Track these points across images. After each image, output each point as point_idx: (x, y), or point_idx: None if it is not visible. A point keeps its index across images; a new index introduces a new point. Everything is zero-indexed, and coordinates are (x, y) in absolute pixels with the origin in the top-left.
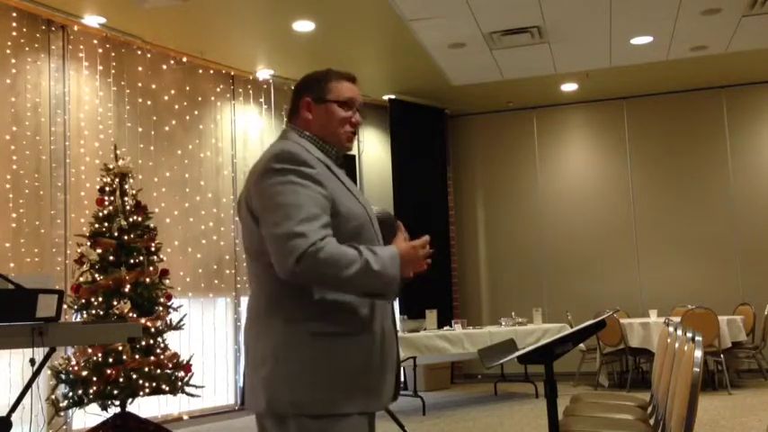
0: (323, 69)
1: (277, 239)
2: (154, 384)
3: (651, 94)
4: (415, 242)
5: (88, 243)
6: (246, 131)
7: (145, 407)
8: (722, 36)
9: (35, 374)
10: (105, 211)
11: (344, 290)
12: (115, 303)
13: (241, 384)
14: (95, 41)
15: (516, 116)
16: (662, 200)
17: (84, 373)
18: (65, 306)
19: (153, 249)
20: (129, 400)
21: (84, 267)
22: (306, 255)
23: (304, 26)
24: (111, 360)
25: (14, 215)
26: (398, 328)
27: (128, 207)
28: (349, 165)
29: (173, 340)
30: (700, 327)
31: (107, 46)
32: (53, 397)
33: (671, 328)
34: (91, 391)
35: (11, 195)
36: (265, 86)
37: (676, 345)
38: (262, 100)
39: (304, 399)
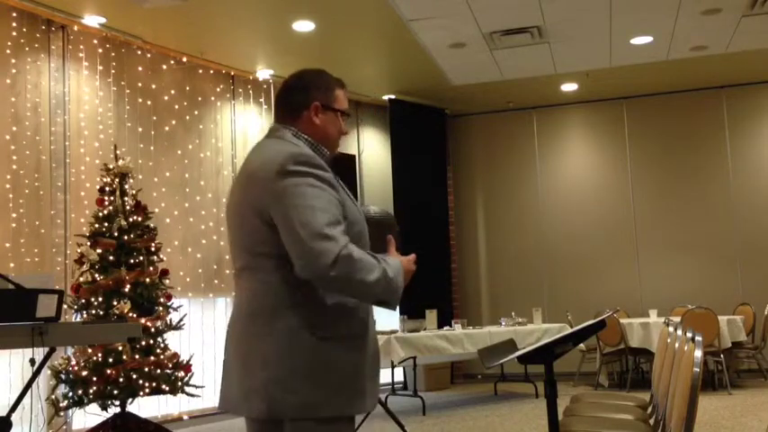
0: (319, 70)
1: (304, 241)
2: (154, 384)
3: (651, 94)
4: (408, 258)
5: (88, 243)
6: (246, 131)
7: (145, 407)
8: (722, 36)
9: (35, 374)
10: (105, 211)
11: (363, 295)
12: (115, 303)
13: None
14: (95, 41)
15: (516, 116)
16: (662, 200)
17: (84, 373)
18: (65, 306)
19: (153, 249)
20: (129, 400)
21: (84, 267)
22: (339, 258)
23: (304, 26)
24: (111, 360)
25: (14, 215)
26: (398, 327)
27: (128, 207)
28: (349, 165)
29: (173, 340)
30: (700, 327)
31: (107, 46)
32: (53, 397)
33: (671, 328)
34: (91, 391)
35: (11, 195)
36: (265, 86)
37: (676, 345)
38: (262, 100)
39: (312, 401)
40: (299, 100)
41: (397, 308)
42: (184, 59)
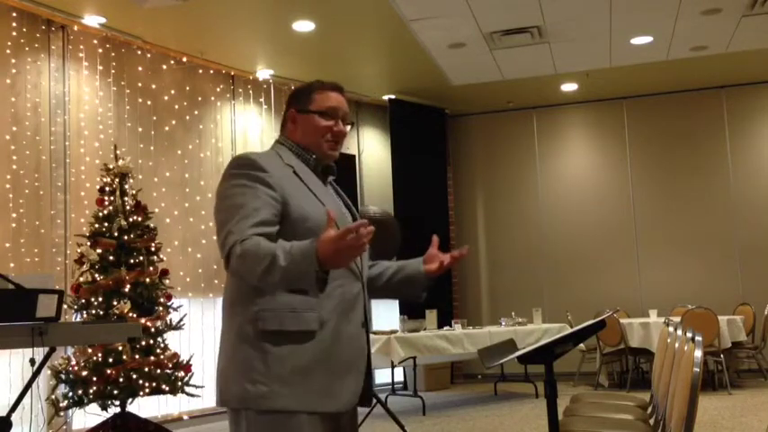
0: (311, 81)
1: (218, 239)
2: (154, 384)
3: (651, 94)
4: (335, 233)
5: (88, 243)
6: (246, 131)
7: (145, 407)
8: (722, 36)
9: (35, 374)
10: (105, 211)
11: (265, 286)
12: (115, 303)
13: None
14: (95, 41)
15: (516, 116)
16: (662, 200)
17: (84, 373)
18: (65, 306)
19: (153, 249)
20: (129, 400)
21: (84, 267)
22: (231, 254)
23: (304, 26)
24: (111, 360)
25: (14, 215)
26: (398, 327)
27: (128, 207)
28: (349, 165)
29: (173, 340)
30: (700, 327)
31: (107, 46)
32: (53, 397)
33: (671, 328)
34: (91, 391)
35: (11, 195)
36: (265, 86)
37: (676, 345)
38: (262, 100)
39: (248, 393)
40: (285, 112)
41: (397, 306)
42: (184, 59)
